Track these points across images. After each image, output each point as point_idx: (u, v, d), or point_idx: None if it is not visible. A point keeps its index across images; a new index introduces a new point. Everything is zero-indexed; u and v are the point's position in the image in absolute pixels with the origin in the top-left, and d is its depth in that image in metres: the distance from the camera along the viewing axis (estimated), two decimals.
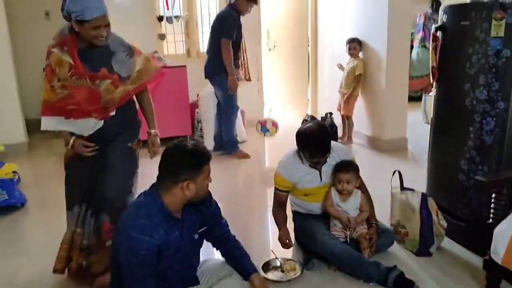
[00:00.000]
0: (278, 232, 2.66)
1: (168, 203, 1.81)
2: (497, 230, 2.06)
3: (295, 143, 2.55)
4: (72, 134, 2.27)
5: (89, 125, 2.21)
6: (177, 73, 5.11)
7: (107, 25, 2.12)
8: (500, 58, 2.35)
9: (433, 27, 2.77)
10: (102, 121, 2.22)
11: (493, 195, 2.17)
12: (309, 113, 5.97)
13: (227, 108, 4.59)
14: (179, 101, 5.21)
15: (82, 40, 2.14)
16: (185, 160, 1.78)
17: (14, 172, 3.67)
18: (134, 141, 2.39)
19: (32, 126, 6.14)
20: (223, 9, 4.56)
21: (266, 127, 4.77)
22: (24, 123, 5.38)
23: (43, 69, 2.21)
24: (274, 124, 4.81)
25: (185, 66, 5.14)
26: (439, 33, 2.72)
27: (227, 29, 4.30)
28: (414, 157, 4.60)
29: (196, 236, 1.97)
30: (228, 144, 4.72)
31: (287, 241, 2.61)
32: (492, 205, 2.19)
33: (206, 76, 4.58)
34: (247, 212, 3.53)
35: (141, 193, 1.89)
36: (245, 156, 4.72)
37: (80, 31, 2.08)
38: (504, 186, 2.13)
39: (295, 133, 2.55)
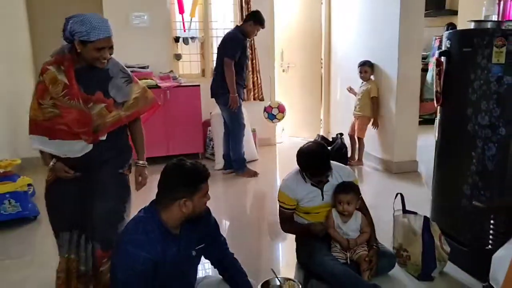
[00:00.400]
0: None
1: (166, 220, 1.87)
2: (495, 257, 2.05)
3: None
4: (53, 156, 2.17)
5: (77, 148, 2.14)
6: (191, 92, 5.24)
7: (111, 48, 2.12)
8: (501, 84, 2.37)
9: (437, 52, 2.81)
10: (91, 145, 2.15)
11: (491, 221, 2.17)
12: (321, 133, 6.01)
13: (233, 127, 4.68)
14: (192, 119, 5.32)
15: (81, 60, 2.11)
16: (183, 178, 1.84)
17: (29, 185, 3.79)
18: (125, 167, 2.34)
19: None
20: (230, 31, 4.69)
21: (272, 113, 4.73)
22: None
23: (36, 85, 2.16)
24: (281, 109, 4.74)
25: (199, 85, 5.26)
26: (443, 59, 2.75)
27: (230, 49, 4.43)
28: (424, 180, 4.57)
29: (194, 253, 2.01)
30: (236, 162, 4.78)
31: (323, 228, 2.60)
32: (490, 231, 2.18)
33: (212, 95, 4.70)
34: (249, 230, 3.56)
35: (141, 209, 1.95)
36: (254, 174, 4.77)
37: (83, 52, 2.06)
38: (501, 212, 2.12)
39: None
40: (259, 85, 5.78)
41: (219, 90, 4.55)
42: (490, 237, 2.18)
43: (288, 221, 2.74)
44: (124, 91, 2.24)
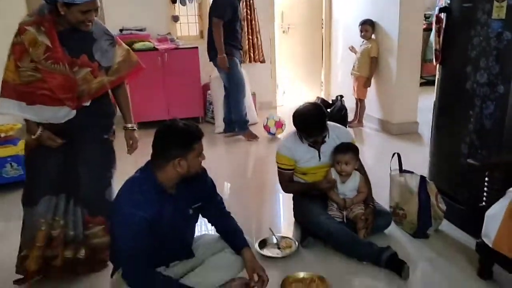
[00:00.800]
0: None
1: (162, 180, 1.89)
2: (489, 213, 2.07)
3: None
4: (38, 124, 2.08)
5: (61, 114, 2.06)
6: (189, 54, 5.18)
7: (96, 10, 2.02)
8: (501, 40, 2.32)
9: (437, 8, 2.74)
10: (75, 110, 2.08)
11: (486, 179, 2.18)
12: (322, 96, 5.97)
13: (230, 87, 4.64)
14: (192, 82, 5.29)
15: (63, 22, 2.01)
16: (175, 138, 1.84)
17: None
18: (110, 132, 2.29)
19: None
20: None
21: (271, 132, 4.74)
22: None
23: (12, 46, 2.02)
24: (278, 125, 4.73)
25: (197, 47, 5.19)
26: (442, 15, 2.69)
27: (219, 9, 4.35)
28: (424, 141, 4.56)
29: (190, 212, 2.05)
30: (238, 123, 4.77)
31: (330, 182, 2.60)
32: (485, 189, 2.20)
33: (210, 59, 4.64)
34: (249, 191, 3.61)
35: (137, 170, 1.97)
36: (255, 137, 4.77)
37: (67, 15, 1.95)
38: (495, 170, 2.13)
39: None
40: (259, 47, 5.70)
41: (212, 52, 4.50)
42: (485, 194, 2.19)
43: (289, 181, 2.76)
44: (109, 54, 2.18)
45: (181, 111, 5.13)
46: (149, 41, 5.15)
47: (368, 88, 4.97)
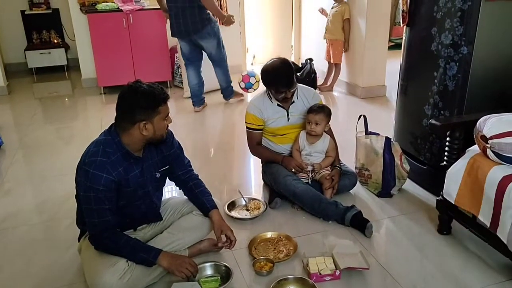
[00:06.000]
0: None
1: (127, 143, 1.85)
2: (450, 172, 2.14)
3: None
4: None
5: None
6: (155, 16, 5.02)
7: None
8: (465, 1, 2.33)
9: None
10: None
11: (447, 139, 2.24)
12: (292, 59, 5.93)
13: (222, 55, 4.46)
14: (159, 45, 5.15)
15: None
16: (139, 101, 1.79)
17: None
18: None
19: (10, 70, 6.08)
20: None
21: (250, 82, 4.63)
22: (2, 67, 5.31)
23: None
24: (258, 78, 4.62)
25: None
26: None
27: None
28: (391, 105, 4.64)
29: (158, 175, 2.03)
30: (229, 90, 4.74)
31: (297, 163, 2.62)
32: (446, 148, 2.26)
33: (188, 35, 4.23)
34: (218, 155, 3.61)
35: (102, 133, 1.93)
36: (241, 95, 4.83)
37: None
38: (456, 129, 2.19)
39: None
40: (225, 9, 5.56)
41: (198, 26, 4.15)
42: (446, 154, 2.26)
43: (257, 143, 2.76)
44: None
45: (148, 75, 5.00)
46: (113, 2, 4.94)
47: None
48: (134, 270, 1.84)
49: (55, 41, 6.20)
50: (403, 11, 2.76)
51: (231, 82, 4.71)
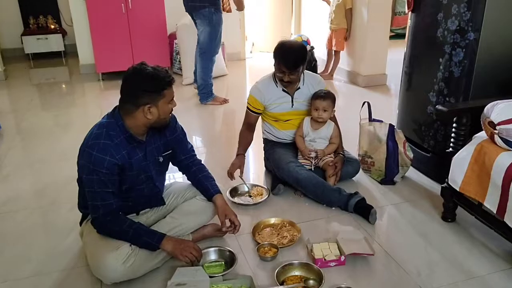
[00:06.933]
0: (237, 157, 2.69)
1: (131, 126, 1.82)
2: (455, 159, 2.12)
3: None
4: None
5: None
6: (155, 1, 4.96)
7: None
8: None
9: None
10: None
11: (454, 125, 2.22)
12: None
13: (208, 46, 4.13)
14: (157, 30, 5.10)
15: None
16: (144, 83, 1.75)
17: None
18: None
19: (7, 55, 6.01)
20: None
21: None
22: None
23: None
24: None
25: None
26: None
27: None
28: (392, 93, 4.62)
29: (161, 159, 2.00)
30: (203, 91, 4.32)
31: (235, 171, 2.62)
32: (452, 135, 2.24)
33: (189, 10, 4.13)
34: (220, 142, 3.57)
35: (105, 115, 1.89)
36: (224, 101, 4.41)
37: None
38: (463, 116, 2.16)
39: None
40: None
41: (196, 3, 4.00)
42: (452, 140, 2.24)
43: (247, 127, 2.74)
44: None
45: (147, 61, 4.80)
46: None
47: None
48: (138, 255, 1.82)
49: (52, 26, 6.12)
50: None
51: (210, 83, 4.32)
